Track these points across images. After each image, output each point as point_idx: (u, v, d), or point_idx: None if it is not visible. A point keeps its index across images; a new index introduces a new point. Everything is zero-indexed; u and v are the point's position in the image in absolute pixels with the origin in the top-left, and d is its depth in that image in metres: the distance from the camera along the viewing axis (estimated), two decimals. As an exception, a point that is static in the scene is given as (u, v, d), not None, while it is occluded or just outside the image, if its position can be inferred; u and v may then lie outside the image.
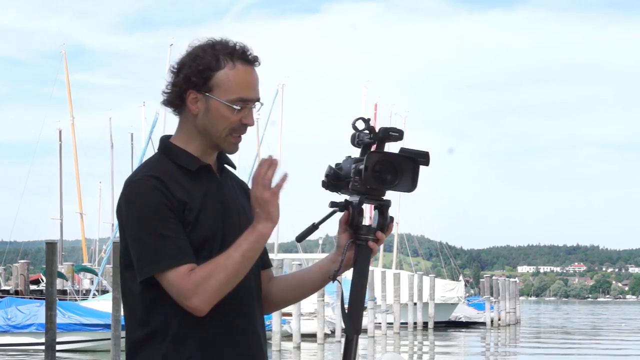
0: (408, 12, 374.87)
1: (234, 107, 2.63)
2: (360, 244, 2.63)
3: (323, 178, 2.64)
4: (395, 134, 2.58)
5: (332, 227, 2.76)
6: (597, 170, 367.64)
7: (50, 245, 15.52)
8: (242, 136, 2.70)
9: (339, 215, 2.65)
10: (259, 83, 2.70)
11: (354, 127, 2.63)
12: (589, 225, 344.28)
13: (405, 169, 2.56)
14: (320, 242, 61.35)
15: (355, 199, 2.61)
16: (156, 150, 2.73)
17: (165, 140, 2.72)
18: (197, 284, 2.53)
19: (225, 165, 2.79)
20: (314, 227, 2.68)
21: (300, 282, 2.82)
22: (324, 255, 2.75)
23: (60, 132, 48.77)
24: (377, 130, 2.58)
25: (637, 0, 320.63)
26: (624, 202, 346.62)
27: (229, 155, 2.77)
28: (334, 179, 2.62)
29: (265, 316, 2.86)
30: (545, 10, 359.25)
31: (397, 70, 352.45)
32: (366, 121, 2.62)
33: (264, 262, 2.80)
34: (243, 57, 2.66)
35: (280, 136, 50.38)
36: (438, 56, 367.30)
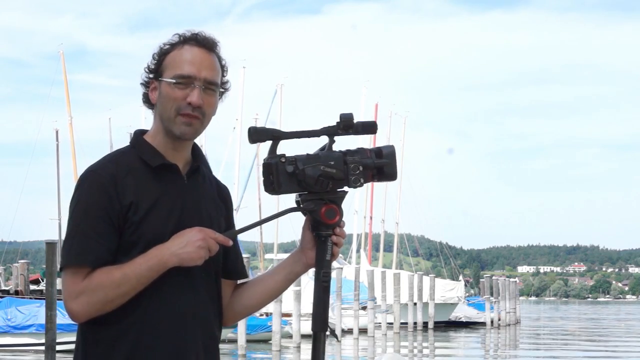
0: (408, 12, 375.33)
1: (171, 81, 2.59)
2: (322, 240, 2.59)
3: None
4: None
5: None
6: (597, 170, 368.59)
7: (50, 245, 15.48)
8: (200, 122, 2.61)
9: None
10: (214, 67, 2.63)
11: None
12: (589, 225, 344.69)
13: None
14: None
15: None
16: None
17: (136, 133, 2.70)
18: (85, 289, 2.49)
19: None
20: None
21: (264, 286, 2.73)
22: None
23: (57, 132, 48.63)
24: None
25: (637, 1, 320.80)
26: (624, 202, 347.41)
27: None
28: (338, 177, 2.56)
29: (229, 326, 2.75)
30: (546, 11, 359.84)
31: (397, 70, 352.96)
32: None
33: (230, 271, 2.73)
34: (194, 39, 2.64)
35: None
36: (438, 56, 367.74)
